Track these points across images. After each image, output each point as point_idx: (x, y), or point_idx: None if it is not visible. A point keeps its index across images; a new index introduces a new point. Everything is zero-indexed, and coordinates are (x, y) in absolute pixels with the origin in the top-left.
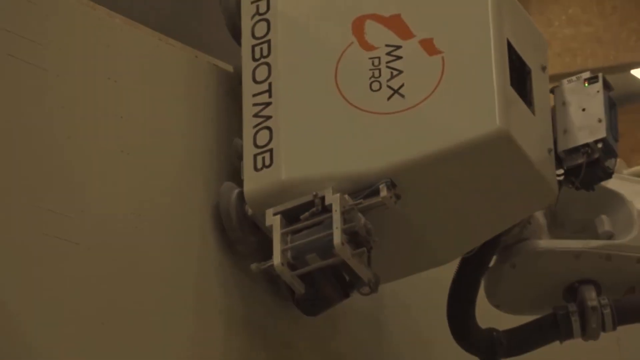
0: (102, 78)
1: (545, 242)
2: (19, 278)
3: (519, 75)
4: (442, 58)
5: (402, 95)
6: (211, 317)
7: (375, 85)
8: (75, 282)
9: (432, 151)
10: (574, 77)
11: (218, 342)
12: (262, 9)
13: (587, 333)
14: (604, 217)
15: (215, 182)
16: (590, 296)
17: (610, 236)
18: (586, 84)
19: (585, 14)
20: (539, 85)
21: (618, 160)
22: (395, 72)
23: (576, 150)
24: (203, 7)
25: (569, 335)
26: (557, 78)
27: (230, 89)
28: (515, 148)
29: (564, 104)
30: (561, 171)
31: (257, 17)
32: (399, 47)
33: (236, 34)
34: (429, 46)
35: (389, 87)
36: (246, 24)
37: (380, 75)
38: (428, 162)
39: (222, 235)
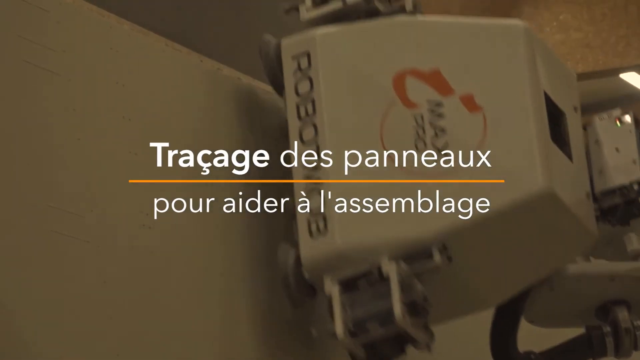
0: (111, 82)
1: (582, 266)
2: (29, 276)
3: (554, 121)
4: (483, 115)
5: (447, 156)
6: (228, 317)
7: (421, 145)
8: (85, 280)
9: (481, 214)
10: (605, 115)
11: (235, 343)
12: (304, 64)
13: (620, 353)
14: (632, 235)
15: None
16: (624, 317)
17: (638, 255)
18: (618, 123)
19: (575, 20)
20: (573, 127)
21: None
22: (439, 131)
23: (612, 191)
24: (209, 14)
25: (602, 354)
26: None
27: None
28: (560, 204)
29: (597, 142)
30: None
31: (299, 74)
32: (440, 104)
33: (275, 83)
34: (469, 102)
35: (434, 146)
36: (288, 79)
37: (424, 134)
38: (477, 225)
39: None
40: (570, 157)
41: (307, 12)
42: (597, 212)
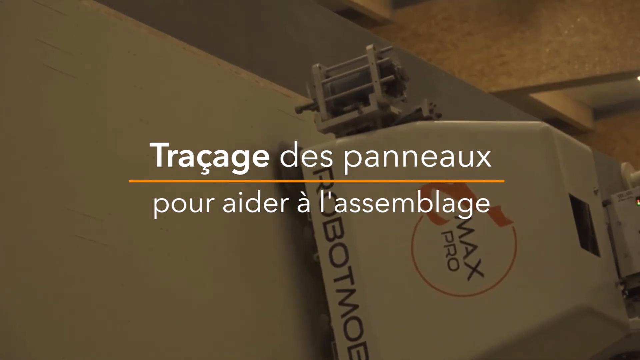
0: (128, 85)
1: None
2: (49, 277)
3: (579, 215)
4: (513, 228)
5: (481, 274)
6: (251, 319)
7: (453, 264)
8: (103, 283)
9: (519, 332)
10: (624, 194)
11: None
12: (327, 182)
13: None
14: None
15: (247, 188)
16: None
17: None
18: (638, 203)
19: (593, 23)
20: (596, 212)
21: (625, 163)
22: (470, 248)
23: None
24: (227, 17)
25: None
26: (566, 85)
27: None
28: (596, 314)
29: (619, 224)
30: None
31: (323, 191)
32: (469, 218)
33: (297, 193)
34: (497, 215)
35: (467, 265)
36: (312, 196)
37: (455, 252)
38: (515, 342)
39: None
40: (597, 251)
41: (323, 121)
42: (625, 293)
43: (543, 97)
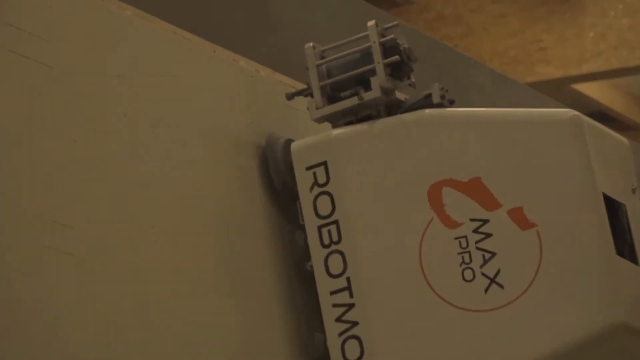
0: (111, 76)
1: None
2: (14, 298)
3: (614, 216)
4: (537, 232)
5: (501, 286)
6: (239, 341)
7: (468, 274)
8: (77, 303)
9: (544, 353)
10: None
11: None
12: (321, 179)
13: None
14: None
15: (234, 189)
16: None
17: None
18: None
19: None
20: (634, 215)
21: None
22: (487, 255)
23: None
24: None
25: None
26: (613, 75)
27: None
28: (635, 332)
29: None
30: None
31: (317, 189)
32: (485, 221)
33: (287, 191)
34: (519, 217)
35: (484, 275)
36: (305, 195)
37: (471, 260)
38: None
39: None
40: (635, 259)
41: (317, 109)
42: None
43: (586, 88)
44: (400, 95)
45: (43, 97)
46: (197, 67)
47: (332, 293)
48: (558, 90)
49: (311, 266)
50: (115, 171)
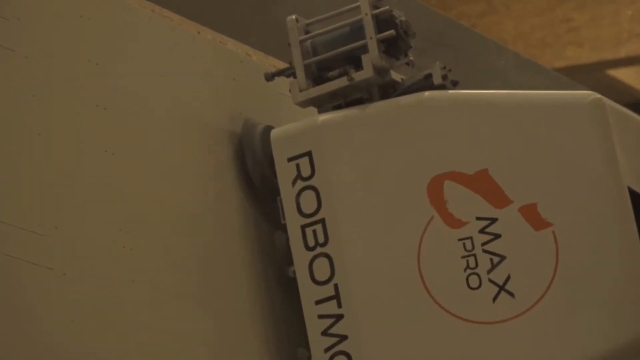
0: (81, 60)
1: None
2: None
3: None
4: (553, 232)
5: (511, 294)
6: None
7: (474, 281)
8: (48, 319)
9: None
10: None
11: None
12: (305, 171)
13: None
14: None
15: (218, 180)
16: None
17: None
18: None
19: None
20: None
21: None
22: (496, 259)
23: None
24: None
25: None
26: None
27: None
28: None
29: None
30: None
31: (301, 183)
32: (494, 220)
33: (267, 185)
34: (533, 216)
35: (492, 282)
36: (286, 190)
37: (476, 265)
38: None
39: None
40: None
41: (301, 91)
42: None
43: (623, 75)
44: (396, 76)
45: (4, 84)
46: (178, 49)
47: (317, 302)
48: (591, 77)
49: (294, 272)
50: (87, 170)
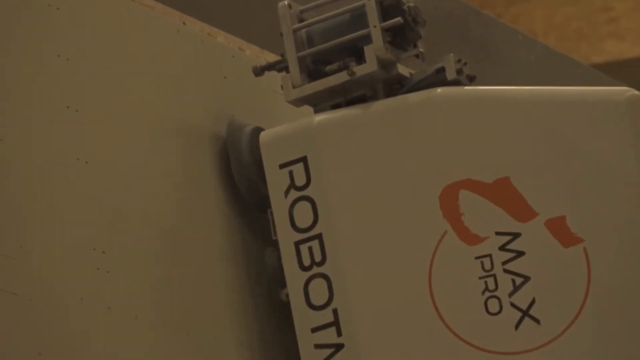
0: (49, 55)
1: None
2: None
3: None
4: (584, 250)
5: (537, 320)
6: None
7: (493, 305)
8: (10, 349)
9: None
10: None
11: None
12: (300, 180)
13: None
14: None
15: (204, 192)
16: None
17: None
18: None
19: None
20: None
21: None
22: (518, 280)
23: None
24: None
25: None
26: None
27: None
28: None
29: None
30: None
31: (295, 193)
32: (516, 235)
33: (254, 196)
34: (561, 230)
35: (514, 306)
36: (278, 202)
37: (496, 287)
38: None
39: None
40: None
41: (294, 88)
42: None
43: None
44: (403, 70)
45: None
46: (161, 43)
47: (314, 330)
48: (633, 74)
49: (287, 295)
50: (57, 181)
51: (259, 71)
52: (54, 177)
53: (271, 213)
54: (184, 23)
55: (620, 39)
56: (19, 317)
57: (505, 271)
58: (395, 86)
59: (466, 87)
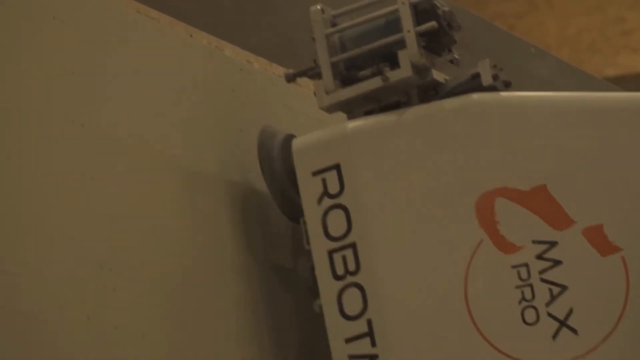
0: (55, 69)
1: None
2: None
3: None
4: (623, 259)
5: (574, 331)
6: None
7: (530, 315)
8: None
9: None
10: None
11: None
12: (333, 187)
13: None
14: None
15: (213, 205)
16: None
17: None
18: None
19: None
20: None
21: None
22: (556, 290)
23: None
24: None
25: None
26: None
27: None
28: None
29: None
30: None
31: (328, 201)
32: (553, 243)
33: (287, 206)
34: (599, 239)
35: (551, 316)
36: (311, 209)
37: (533, 296)
38: None
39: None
40: None
41: (327, 94)
42: None
43: None
44: (438, 76)
45: None
46: (167, 56)
47: (347, 341)
48: None
49: (320, 306)
50: (63, 199)
51: (291, 77)
52: (60, 193)
53: (304, 222)
54: (190, 35)
55: (634, 52)
56: (25, 335)
57: (542, 280)
58: (430, 92)
59: (502, 93)
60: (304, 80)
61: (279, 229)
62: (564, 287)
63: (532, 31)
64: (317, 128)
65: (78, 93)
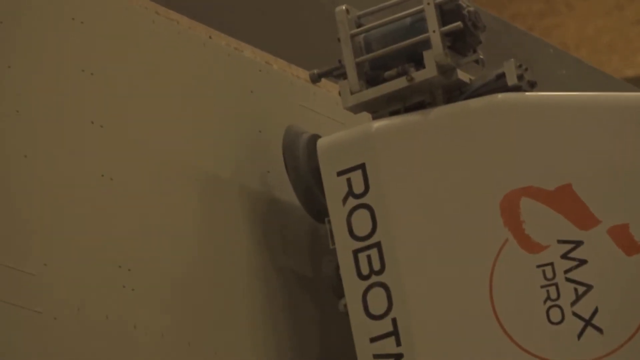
0: (74, 70)
1: None
2: None
3: None
4: None
5: (599, 330)
6: None
7: (555, 314)
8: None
9: None
10: None
11: None
12: (358, 187)
13: None
14: None
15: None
16: None
17: None
18: None
19: None
20: None
21: None
22: (581, 289)
23: None
24: None
25: None
26: None
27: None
28: None
29: None
30: None
31: (353, 201)
32: (579, 243)
33: (311, 205)
34: (624, 238)
35: (577, 315)
36: (336, 209)
37: (558, 296)
38: None
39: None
40: None
41: (352, 94)
42: None
43: None
44: (463, 76)
45: None
46: (187, 57)
47: (372, 340)
48: None
49: (345, 305)
50: (82, 198)
51: (316, 77)
52: (79, 193)
53: (329, 221)
54: (210, 37)
55: None
56: (44, 336)
57: (568, 280)
58: (455, 92)
59: (527, 93)
60: (322, 81)
61: (296, 229)
62: (589, 287)
63: (551, 32)
64: (336, 129)
65: (97, 94)
